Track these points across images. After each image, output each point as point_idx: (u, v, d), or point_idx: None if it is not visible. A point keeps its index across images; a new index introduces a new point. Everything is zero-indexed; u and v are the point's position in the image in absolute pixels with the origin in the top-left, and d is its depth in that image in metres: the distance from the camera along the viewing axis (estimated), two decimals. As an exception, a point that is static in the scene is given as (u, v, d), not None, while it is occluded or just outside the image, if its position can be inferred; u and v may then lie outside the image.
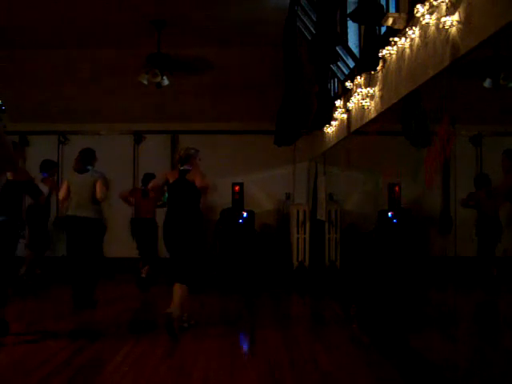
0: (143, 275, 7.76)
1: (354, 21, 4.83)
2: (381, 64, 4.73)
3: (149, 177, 7.88)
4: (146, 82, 7.39)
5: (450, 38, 3.21)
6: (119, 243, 8.67)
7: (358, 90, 5.40)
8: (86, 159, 6.28)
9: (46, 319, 5.78)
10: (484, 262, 6.21)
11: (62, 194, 6.38)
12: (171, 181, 5.42)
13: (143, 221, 7.83)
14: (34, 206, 7.84)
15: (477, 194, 6.44)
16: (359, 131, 5.82)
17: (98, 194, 6.11)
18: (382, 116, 4.95)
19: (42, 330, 5.24)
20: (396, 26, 4.09)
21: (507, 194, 5.33)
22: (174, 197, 5.43)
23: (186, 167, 5.41)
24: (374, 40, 4.64)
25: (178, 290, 5.13)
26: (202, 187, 5.31)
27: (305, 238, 8.86)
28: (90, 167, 6.26)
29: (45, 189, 7.91)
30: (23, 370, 4.03)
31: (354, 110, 5.98)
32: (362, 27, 5.17)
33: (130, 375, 3.99)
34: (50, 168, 8.11)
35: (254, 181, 9.32)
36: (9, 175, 4.97)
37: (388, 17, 4.08)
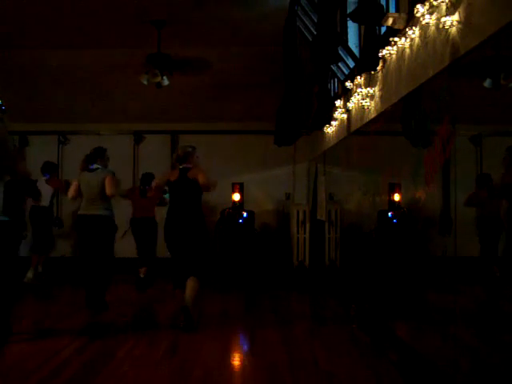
0: (141, 275, 7.76)
1: (354, 21, 4.83)
2: (381, 64, 4.73)
3: (147, 176, 7.86)
4: (145, 82, 7.39)
5: (450, 37, 3.21)
6: (118, 243, 8.66)
7: (358, 89, 5.40)
8: (92, 157, 6.20)
9: (46, 319, 5.79)
10: (486, 262, 6.21)
11: (71, 192, 6.27)
12: (172, 179, 5.44)
13: (142, 220, 7.81)
14: (37, 207, 7.87)
15: (478, 193, 6.44)
16: (359, 131, 5.82)
17: (108, 190, 6.00)
18: (382, 116, 4.95)
19: (42, 330, 5.24)
20: (396, 26, 4.09)
21: (505, 191, 5.32)
22: (175, 195, 5.45)
23: (185, 166, 5.43)
24: (374, 40, 4.64)
25: (189, 284, 5.23)
26: (205, 185, 5.34)
27: (305, 238, 8.87)
28: (96, 165, 6.17)
29: (48, 189, 7.93)
30: (23, 370, 4.03)
31: (354, 110, 5.98)
32: (362, 27, 5.17)
33: (130, 375, 3.99)
34: (52, 170, 8.12)
35: (254, 181, 9.32)
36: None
37: (388, 17, 4.08)
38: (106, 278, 6.16)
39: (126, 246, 8.27)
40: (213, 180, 5.46)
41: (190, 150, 5.50)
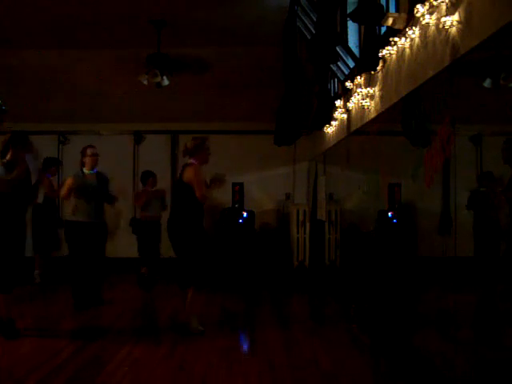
0: (146, 275, 7.72)
1: (354, 21, 4.82)
2: (381, 64, 4.72)
3: (147, 174, 7.86)
4: (145, 82, 7.38)
5: (450, 38, 3.21)
6: (120, 243, 8.67)
7: (358, 89, 5.39)
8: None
9: (47, 319, 5.79)
10: (483, 265, 6.22)
11: (63, 192, 6.31)
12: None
13: (149, 223, 7.77)
14: (38, 206, 7.84)
15: (476, 195, 6.45)
16: (359, 131, 5.82)
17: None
18: (381, 116, 4.95)
19: (42, 330, 5.25)
20: (396, 26, 4.08)
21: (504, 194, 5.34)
22: (172, 197, 5.38)
23: (191, 161, 5.24)
24: (374, 40, 4.63)
25: (187, 296, 5.16)
26: (202, 199, 5.12)
27: (305, 238, 8.87)
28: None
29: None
30: (23, 370, 4.04)
31: (353, 110, 5.98)
32: (362, 27, 5.17)
33: (130, 375, 3.99)
34: (49, 165, 8.04)
35: (254, 181, 9.32)
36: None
37: (388, 17, 4.07)
38: (99, 275, 6.25)
39: (126, 246, 8.29)
40: (205, 193, 5.17)
41: (199, 142, 5.25)
